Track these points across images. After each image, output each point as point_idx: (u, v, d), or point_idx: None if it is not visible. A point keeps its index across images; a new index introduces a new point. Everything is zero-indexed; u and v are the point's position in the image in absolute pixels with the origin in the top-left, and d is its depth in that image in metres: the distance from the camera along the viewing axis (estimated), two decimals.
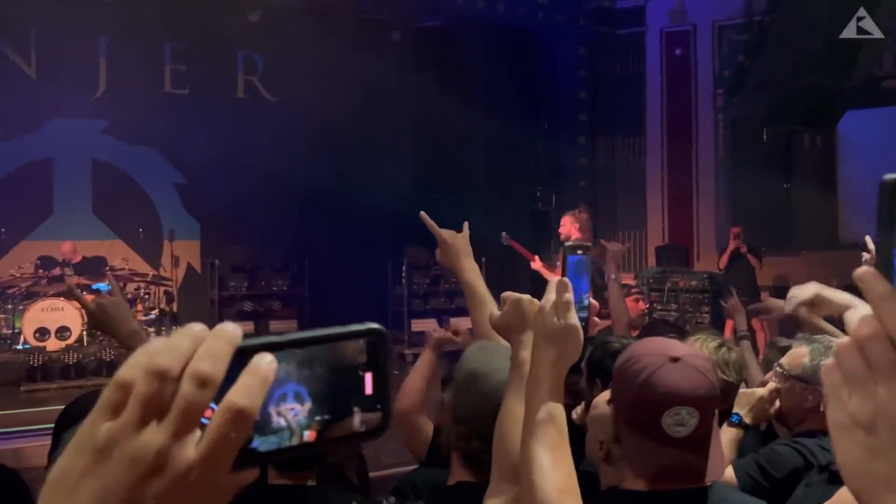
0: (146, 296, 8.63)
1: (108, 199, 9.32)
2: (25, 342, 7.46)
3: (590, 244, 1.28)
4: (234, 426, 0.44)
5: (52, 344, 7.49)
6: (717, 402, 1.37)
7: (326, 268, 9.45)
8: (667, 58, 10.11)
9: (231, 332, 0.47)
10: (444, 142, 10.49)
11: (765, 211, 9.43)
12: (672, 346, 1.37)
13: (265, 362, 0.46)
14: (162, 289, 8.95)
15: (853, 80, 6.55)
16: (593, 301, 1.25)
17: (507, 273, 8.53)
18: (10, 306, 7.77)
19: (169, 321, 8.67)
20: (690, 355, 1.34)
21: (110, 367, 7.64)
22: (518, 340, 1.26)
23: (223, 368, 0.45)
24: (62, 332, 7.56)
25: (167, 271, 9.29)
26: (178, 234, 9.44)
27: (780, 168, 9.68)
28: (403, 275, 9.42)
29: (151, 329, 8.40)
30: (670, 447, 1.27)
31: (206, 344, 0.45)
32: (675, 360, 1.29)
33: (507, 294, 1.34)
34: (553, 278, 1.19)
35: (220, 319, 8.80)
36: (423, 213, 1.75)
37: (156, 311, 8.52)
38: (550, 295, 1.15)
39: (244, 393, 0.45)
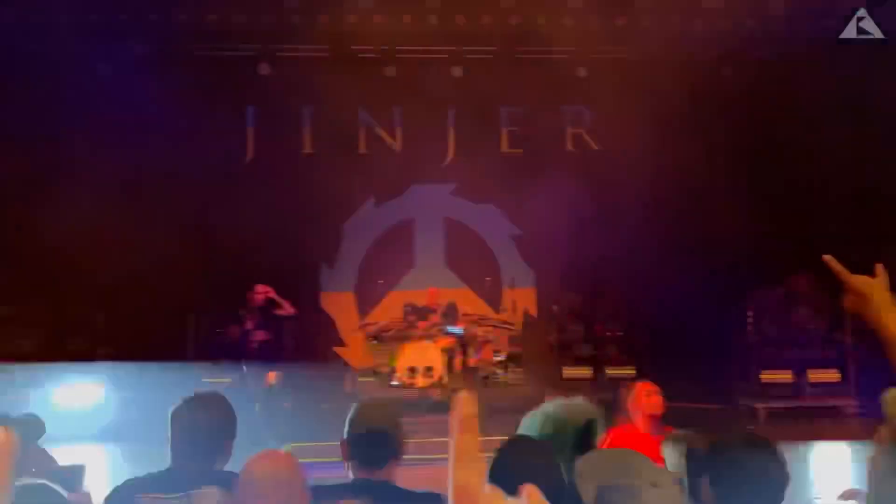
0: (493, 339, 9.29)
1: (458, 252, 10.36)
2: (399, 380, 8.48)
3: None
4: None
5: (420, 381, 8.40)
6: None
7: (663, 313, 9.23)
8: None
9: None
10: (785, 176, 9.72)
11: None
12: None
13: None
14: (507, 334, 9.58)
15: None
16: None
17: None
18: (386, 347, 8.94)
19: (514, 363, 9.23)
20: None
21: None
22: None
23: None
24: (428, 370, 8.45)
25: (509, 316, 9.92)
26: (516, 281, 10.04)
27: None
28: (749, 321, 8.80)
29: (499, 371, 9.02)
30: None
31: None
32: None
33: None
34: None
35: (560, 364, 9.16)
36: (828, 256, 1.57)
37: (504, 353, 9.12)
38: None
39: None
